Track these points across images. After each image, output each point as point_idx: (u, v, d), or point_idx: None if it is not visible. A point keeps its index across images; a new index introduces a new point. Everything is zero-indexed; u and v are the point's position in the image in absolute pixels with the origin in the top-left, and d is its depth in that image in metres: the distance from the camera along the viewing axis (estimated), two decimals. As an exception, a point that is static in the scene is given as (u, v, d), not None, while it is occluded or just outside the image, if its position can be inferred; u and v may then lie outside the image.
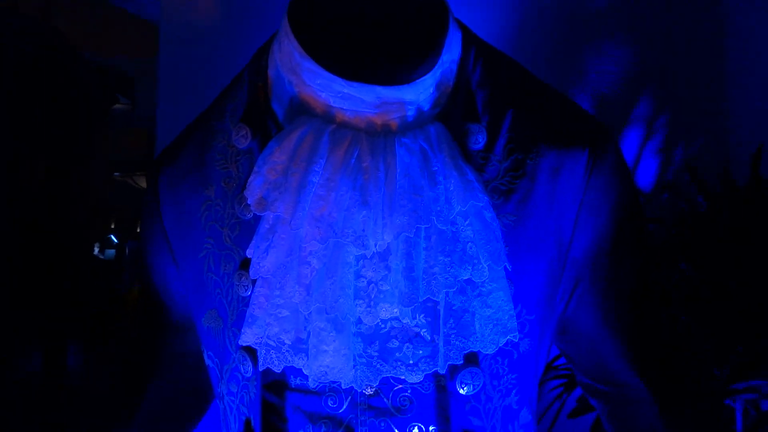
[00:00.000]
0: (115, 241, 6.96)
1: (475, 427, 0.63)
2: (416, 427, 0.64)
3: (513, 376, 0.65)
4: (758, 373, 1.17)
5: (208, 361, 0.73)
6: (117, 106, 4.01)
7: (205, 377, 0.77)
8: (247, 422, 0.67)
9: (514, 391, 0.66)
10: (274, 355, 0.62)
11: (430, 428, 0.64)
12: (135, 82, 4.14)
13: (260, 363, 0.63)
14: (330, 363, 0.61)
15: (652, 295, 0.71)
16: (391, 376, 0.63)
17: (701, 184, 1.43)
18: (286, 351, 0.62)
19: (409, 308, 0.61)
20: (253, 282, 0.64)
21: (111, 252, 6.48)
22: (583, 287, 0.69)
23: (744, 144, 1.59)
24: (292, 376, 0.66)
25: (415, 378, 0.62)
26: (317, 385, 0.65)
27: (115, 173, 5.50)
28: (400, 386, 0.64)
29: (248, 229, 0.66)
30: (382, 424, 0.63)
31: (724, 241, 1.34)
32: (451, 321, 0.61)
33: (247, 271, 0.64)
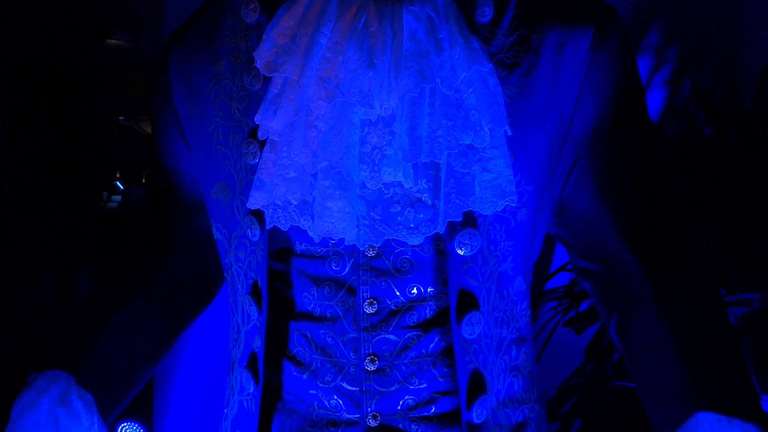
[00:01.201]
0: (121, 187, 7.01)
1: (471, 286, 0.65)
2: (415, 288, 0.66)
3: (510, 244, 0.68)
4: (749, 288, 1.20)
5: (216, 234, 0.76)
6: (119, 42, 3.98)
7: (213, 261, 0.79)
8: (255, 285, 0.69)
9: (510, 258, 0.68)
10: (280, 214, 0.65)
11: (428, 289, 0.67)
12: (142, 23, 4.10)
13: (267, 222, 0.65)
14: (334, 222, 0.63)
15: (653, 176, 0.72)
16: (392, 239, 0.65)
17: (708, 111, 1.43)
18: (293, 210, 0.64)
19: (412, 170, 0.63)
20: (261, 147, 0.66)
21: (117, 198, 6.54)
22: (582, 165, 0.71)
23: (753, 75, 1.58)
24: (297, 243, 0.68)
25: (415, 240, 0.64)
26: (322, 250, 0.67)
27: (120, 117, 5.49)
28: (401, 248, 0.66)
29: (256, 100, 0.67)
30: (383, 284, 0.66)
31: (728, 168, 1.35)
32: (452, 182, 0.63)
33: (256, 139, 0.66)
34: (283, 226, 0.65)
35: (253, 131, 0.67)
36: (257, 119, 0.65)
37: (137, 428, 2.95)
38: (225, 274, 0.77)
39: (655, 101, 1.71)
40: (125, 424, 3.00)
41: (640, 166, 0.72)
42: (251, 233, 0.68)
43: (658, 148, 0.75)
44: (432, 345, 0.67)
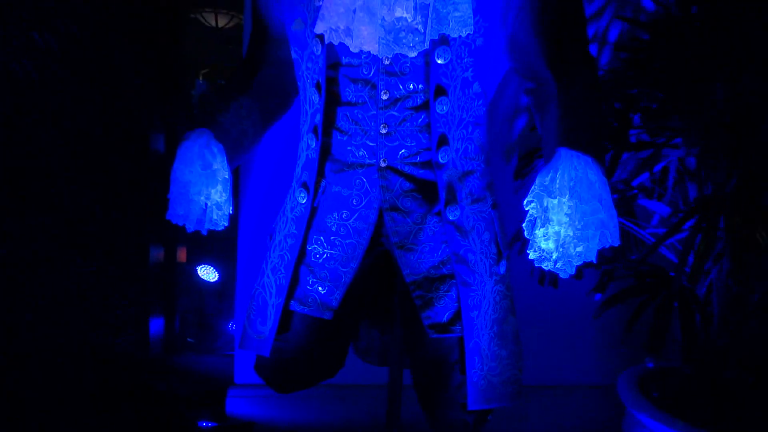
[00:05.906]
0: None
1: (444, 83, 1.10)
2: (411, 84, 1.11)
3: (470, 60, 1.11)
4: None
5: (294, 55, 1.21)
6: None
7: (290, 77, 1.27)
8: (317, 83, 1.16)
9: (470, 69, 1.11)
10: (333, 35, 1.09)
11: (420, 86, 1.11)
12: None
13: (326, 39, 1.10)
14: (365, 40, 1.07)
15: (567, 15, 1.12)
16: (399, 54, 1.09)
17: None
18: (341, 32, 1.09)
19: (413, 9, 1.05)
20: None
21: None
22: (524, 8, 1.11)
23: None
24: (343, 57, 1.13)
25: (412, 54, 1.08)
26: (357, 61, 1.12)
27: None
28: (404, 60, 1.10)
29: None
30: (392, 81, 1.11)
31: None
32: (435, 16, 1.05)
33: None
34: (335, 41, 1.10)
35: None
36: None
37: (212, 269, 3.65)
38: (298, 81, 1.23)
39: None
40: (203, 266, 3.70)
41: (559, 7, 1.11)
42: (315, 49, 1.14)
43: None
44: (420, 120, 1.12)
